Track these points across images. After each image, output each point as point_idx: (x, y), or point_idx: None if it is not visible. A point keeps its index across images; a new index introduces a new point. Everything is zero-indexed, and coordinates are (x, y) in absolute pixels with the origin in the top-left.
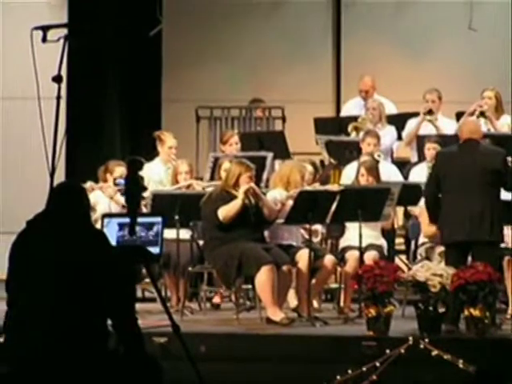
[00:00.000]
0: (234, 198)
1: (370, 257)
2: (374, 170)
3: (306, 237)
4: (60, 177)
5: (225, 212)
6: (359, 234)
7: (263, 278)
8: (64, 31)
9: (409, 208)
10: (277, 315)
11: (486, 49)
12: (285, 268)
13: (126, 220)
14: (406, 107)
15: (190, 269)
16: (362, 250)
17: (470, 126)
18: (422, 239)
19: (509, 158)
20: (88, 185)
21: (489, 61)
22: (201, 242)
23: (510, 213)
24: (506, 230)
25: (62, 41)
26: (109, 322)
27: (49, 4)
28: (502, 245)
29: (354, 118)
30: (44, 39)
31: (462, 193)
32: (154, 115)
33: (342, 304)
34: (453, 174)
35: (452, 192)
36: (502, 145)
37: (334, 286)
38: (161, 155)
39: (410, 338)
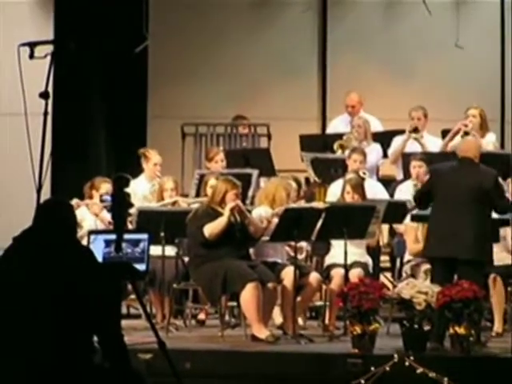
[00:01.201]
0: (219, 215)
1: (355, 274)
2: (359, 187)
3: (291, 254)
4: (46, 193)
5: (210, 229)
6: (344, 252)
7: (248, 295)
8: (51, 48)
9: (394, 226)
10: (262, 332)
11: (473, 66)
12: (270, 285)
13: (113, 237)
14: (391, 125)
15: (175, 285)
16: (347, 268)
17: (469, 144)
18: (407, 257)
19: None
20: (74, 202)
21: (475, 78)
22: (186, 259)
23: (495, 231)
24: (495, 248)
25: (48, 57)
26: (95, 338)
27: (35, 21)
28: None
29: (340, 136)
30: (31, 56)
31: (452, 209)
32: (139, 132)
33: (327, 321)
34: (445, 189)
35: (442, 207)
36: (486, 163)
37: (319, 303)
38: (146, 172)
39: (395, 356)
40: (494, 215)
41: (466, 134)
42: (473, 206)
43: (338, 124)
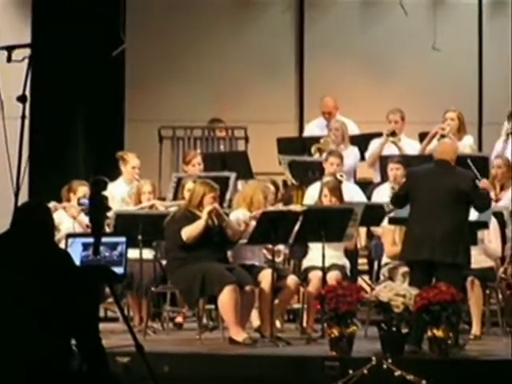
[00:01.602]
0: (197, 218)
1: (332, 277)
2: (336, 190)
3: (269, 257)
4: (24, 196)
5: (188, 232)
6: (322, 255)
7: (226, 297)
8: (28, 51)
9: (372, 228)
10: (239, 335)
11: (450, 69)
12: (248, 288)
13: (90, 240)
14: (369, 127)
15: (152, 289)
16: (324, 270)
17: (445, 146)
18: (384, 259)
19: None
20: (51, 204)
21: (453, 81)
22: (164, 262)
23: (473, 234)
24: (473, 251)
25: (26, 61)
26: (73, 341)
27: (11, 23)
28: None
29: (317, 139)
30: (9, 59)
31: (429, 212)
32: (117, 135)
33: (304, 324)
34: (423, 191)
35: (420, 209)
36: (462, 165)
37: (296, 306)
38: (124, 175)
39: (373, 359)
40: (472, 218)
41: (443, 137)
42: (450, 208)
43: (313, 128)
